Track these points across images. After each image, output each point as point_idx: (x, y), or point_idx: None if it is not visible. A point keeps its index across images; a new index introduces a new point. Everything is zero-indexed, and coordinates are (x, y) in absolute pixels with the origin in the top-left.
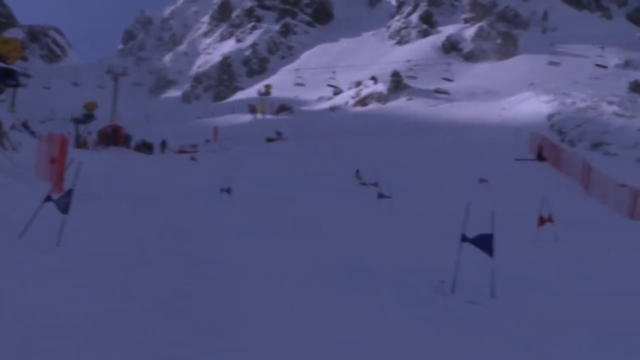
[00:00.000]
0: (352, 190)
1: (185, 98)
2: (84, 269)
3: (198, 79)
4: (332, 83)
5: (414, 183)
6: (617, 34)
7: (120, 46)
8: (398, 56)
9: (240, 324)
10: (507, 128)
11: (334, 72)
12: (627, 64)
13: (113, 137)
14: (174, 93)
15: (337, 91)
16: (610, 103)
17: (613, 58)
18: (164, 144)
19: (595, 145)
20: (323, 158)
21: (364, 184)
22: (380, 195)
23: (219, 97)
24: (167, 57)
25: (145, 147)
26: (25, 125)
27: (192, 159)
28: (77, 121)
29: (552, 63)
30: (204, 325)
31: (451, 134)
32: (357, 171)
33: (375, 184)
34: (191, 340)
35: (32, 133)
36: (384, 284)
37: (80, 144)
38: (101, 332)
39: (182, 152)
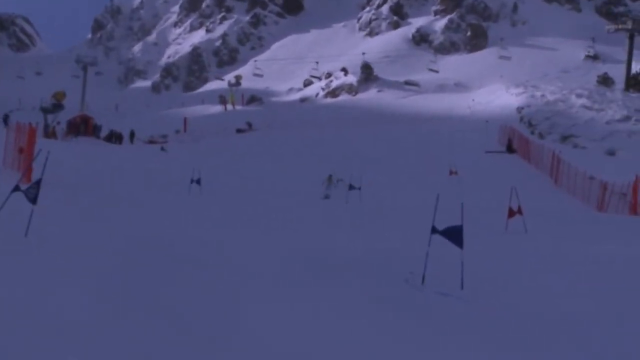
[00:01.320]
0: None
1: (155, 88)
2: (52, 260)
3: (168, 69)
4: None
5: (384, 175)
6: (586, 27)
7: (89, 36)
8: (368, 47)
9: (210, 319)
10: (477, 120)
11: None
12: (595, 57)
13: (82, 127)
14: (144, 83)
15: (309, 82)
16: (579, 96)
17: (582, 51)
18: (132, 135)
19: (565, 138)
20: (293, 149)
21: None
22: (350, 187)
23: (188, 87)
24: (137, 47)
25: (114, 138)
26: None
27: (162, 149)
28: (46, 111)
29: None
30: (170, 317)
31: (421, 126)
32: (330, 176)
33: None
34: (155, 331)
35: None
36: (354, 276)
37: (49, 134)
38: (72, 324)
39: (152, 142)
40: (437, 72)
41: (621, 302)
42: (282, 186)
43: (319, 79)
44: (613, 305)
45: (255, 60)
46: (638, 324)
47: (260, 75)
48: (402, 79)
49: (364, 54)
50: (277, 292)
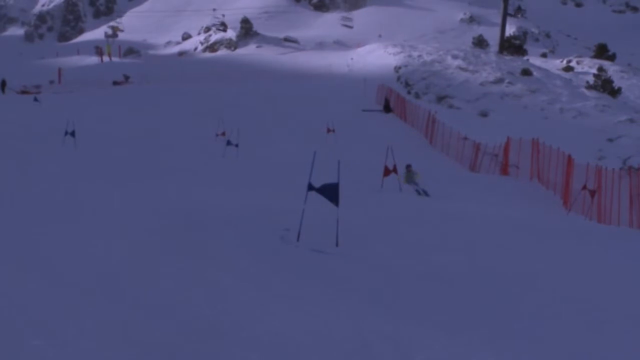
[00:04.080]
0: (199, 138)
1: (28, 37)
2: None
3: (42, 17)
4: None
5: (262, 131)
6: None
7: None
8: (248, 3)
9: (80, 271)
10: (356, 79)
11: (224, 15)
12: (471, 19)
13: None
14: (17, 31)
15: (187, 36)
16: (455, 57)
17: (458, 13)
18: (4, 84)
19: (440, 99)
20: (171, 103)
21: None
22: (228, 143)
23: (63, 37)
24: None
25: None
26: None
27: (35, 100)
28: None
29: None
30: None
31: (300, 82)
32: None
33: (223, 134)
34: None
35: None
36: (230, 232)
37: None
38: None
39: (24, 92)
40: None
41: (490, 257)
42: (157, 140)
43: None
44: (483, 260)
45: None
46: (505, 279)
47: (121, 31)
48: (281, 35)
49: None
50: (150, 246)
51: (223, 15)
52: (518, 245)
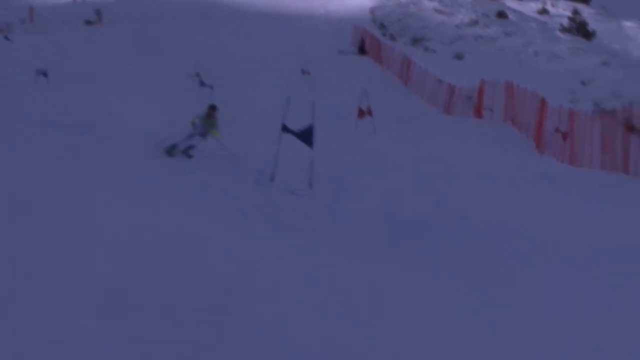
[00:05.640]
0: (174, 81)
1: None
2: None
3: None
4: None
5: (238, 73)
6: None
7: None
8: None
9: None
10: (331, 20)
11: None
12: None
13: None
14: None
15: None
16: None
17: None
18: None
19: (416, 41)
20: (146, 44)
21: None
22: (202, 84)
23: None
24: None
25: None
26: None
27: (6, 38)
28: None
29: None
30: None
31: (278, 24)
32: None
33: (197, 75)
34: None
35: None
36: (205, 174)
37: None
38: None
39: None
40: None
41: (463, 203)
42: (133, 81)
43: None
44: (457, 205)
45: None
46: (480, 224)
47: None
48: None
49: None
50: (125, 183)
51: None
52: (492, 190)
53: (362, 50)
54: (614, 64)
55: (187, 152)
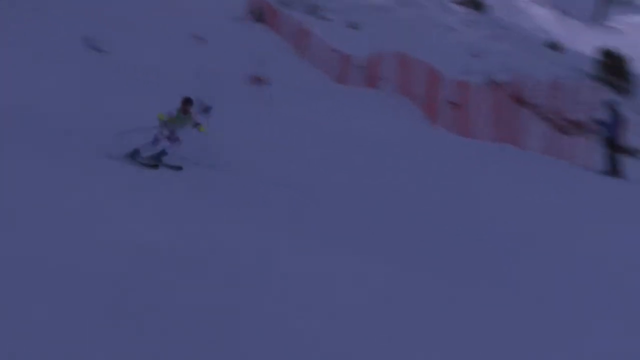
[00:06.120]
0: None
1: None
2: None
3: None
4: None
5: (129, 38)
6: None
7: None
8: None
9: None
10: None
11: None
12: None
13: None
14: None
15: None
16: None
17: None
18: None
19: (311, 9)
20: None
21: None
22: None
23: None
24: None
25: None
26: None
27: None
28: None
29: None
30: None
31: None
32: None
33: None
34: None
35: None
36: (80, 141)
37: None
38: None
39: None
40: None
41: (371, 174)
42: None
43: None
44: (364, 177)
45: None
46: (382, 191)
47: None
48: None
49: None
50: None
51: None
52: (393, 162)
53: (258, 17)
54: (505, 37)
55: (152, 162)
